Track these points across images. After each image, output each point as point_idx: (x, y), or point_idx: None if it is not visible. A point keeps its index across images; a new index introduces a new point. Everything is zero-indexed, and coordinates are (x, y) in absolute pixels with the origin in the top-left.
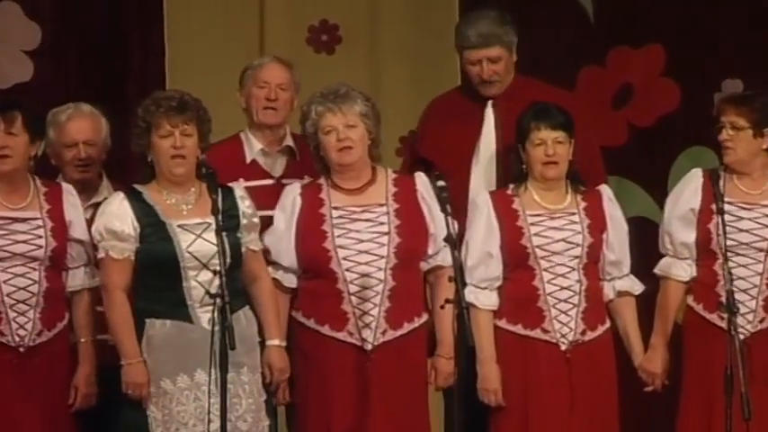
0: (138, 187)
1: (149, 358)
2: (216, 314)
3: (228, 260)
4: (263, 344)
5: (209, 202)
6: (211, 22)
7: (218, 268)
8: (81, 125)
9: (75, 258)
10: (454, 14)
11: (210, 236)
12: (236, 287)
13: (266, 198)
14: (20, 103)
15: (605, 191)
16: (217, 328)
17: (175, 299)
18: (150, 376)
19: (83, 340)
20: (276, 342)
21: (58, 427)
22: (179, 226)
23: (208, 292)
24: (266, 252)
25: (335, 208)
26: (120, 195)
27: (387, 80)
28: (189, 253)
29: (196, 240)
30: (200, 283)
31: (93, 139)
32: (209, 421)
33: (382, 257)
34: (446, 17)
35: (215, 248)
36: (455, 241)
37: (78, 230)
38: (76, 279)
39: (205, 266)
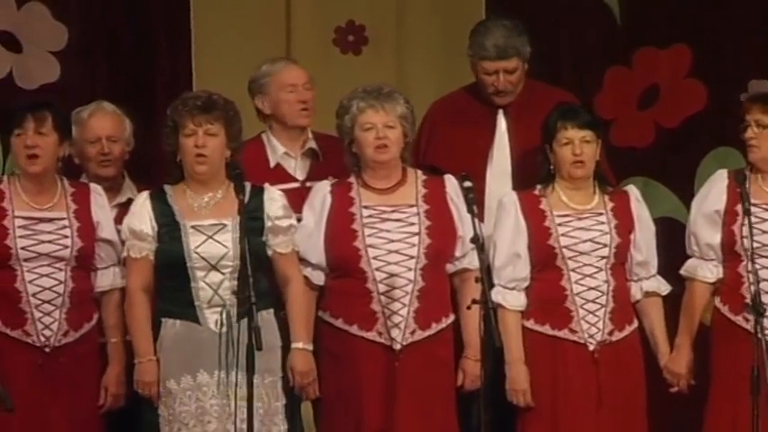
0: (165, 187)
1: (161, 357)
2: (223, 316)
3: (237, 262)
4: (287, 348)
5: (234, 202)
6: (238, 23)
7: (225, 270)
8: (103, 121)
9: (104, 259)
10: (481, 15)
11: (223, 237)
12: (255, 289)
13: (292, 201)
14: (50, 104)
15: (633, 191)
16: (224, 329)
17: (185, 299)
18: (161, 375)
19: (113, 340)
20: (300, 345)
21: (85, 427)
22: (192, 227)
23: (234, 292)
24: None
25: (366, 207)
26: (144, 195)
27: (413, 81)
28: (196, 254)
29: (206, 241)
30: (208, 284)
31: (116, 135)
32: (208, 422)
33: (412, 258)
34: (473, 17)
35: (224, 250)
36: (481, 242)
37: (106, 231)
38: (105, 279)
39: (214, 267)
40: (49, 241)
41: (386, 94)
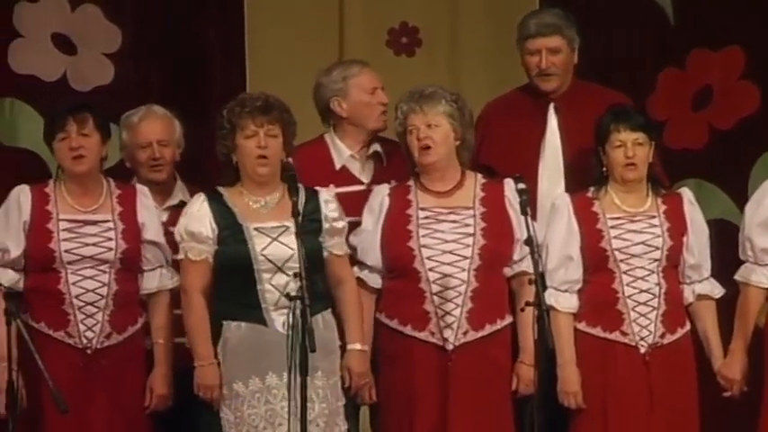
0: (220, 189)
1: (224, 360)
2: (291, 317)
3: (305, 264)
4: (344, 348)
5: (290, 204)
6: (291, 25)
7: (292, 272)
8: (153, 125)
9: (151, 260)
10: None
11: (287, 239)
12: (315, 290)
13: (357, 204)
14: (88, 105)
15: (686, 194)
16: (291, 331)
17: (250, 301)
18: (224, 378)
19: (160, 342)
20: (357, 346)
21: (129, 428)
22: (255, 229)
23: (287, 295)
24: (353, 251)
25: (422, 209)
26: (202, 197)
27: (467, 82)
28: (263, 256)
29: (271, 243)
30: (274, 286)
31: (166, 139)
32: (279, 425)
33: (466, 258)
34: None
35: (290, 252)
36: (535, 243)
37: (152, 232)
38: (152, 281)
39: (280, 269)
40: (93, 244)
41: (427, 95)
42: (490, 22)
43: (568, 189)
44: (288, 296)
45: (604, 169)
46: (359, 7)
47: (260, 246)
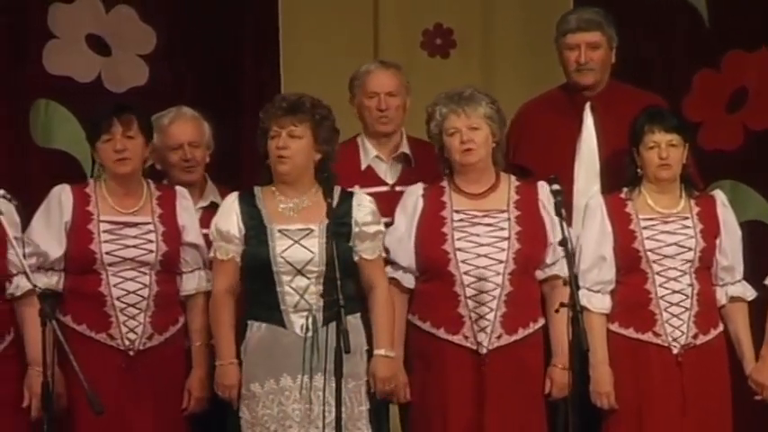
0: (255, 189)
1: (245, 360)
2: (309, 321)
3: (323, 267)
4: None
5: (322, 206)
6: (326, 27)
7: (311, 275)
8: (184, 127)
9: (190, 262)
10: None
11: (309, 242)
12: (343, 293)
13: (381, 205)
14: (132, 107)
15: (719, 196)
16: (309, 334)
17: (271, 303)
18: (244, 378)
19: (197, 344)
20: (382, 352)
21: (169, 429)
22: (279, 231)
23: (321, 295)
24: (385, 251)
25: (457, 211)
26: (234, 196)
27: (501, 84)
28: (282, 258)
29: (292, 246)
30: (294, 288)
31: (197, 140)
32: (289, 427)
33: (501, 262)
34: None
35: (310, 255)
36: (569, 246)
37: (192, 234)
38: (191, 283)
39: (299, 272)
40: (134, 246)
41: (467, 97)
42: (524, 23)
43: (604, 189)
44: (321, 296)
45: (638, 170)
46: (393, 8)
47: (280, 248)
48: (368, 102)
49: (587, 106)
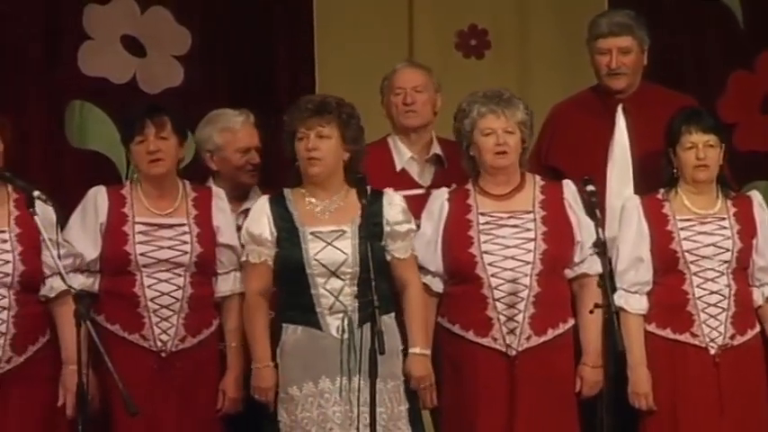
0: (285, 192)
1: (281, 363)
2: (345, 322)
3: (357, 268)
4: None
5: (353, 207)
6: (360, 28)
7: (345, 276)
8: (252, 132)
9: (225, 264)
10: None
11: (342, 244)
12: (377, 293)
13: (416, 207)
14: (166, 108)
15: (756, 196)
16: (346, 336)
17: (306, 305)
18: (280, 381)
19: (232, 345)
20: (417, 350)
21: (202, 431)
22: (312, 233)
23: (356, 296)
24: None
25: (482, 214)
26: (264, 200)
27: (536, 85)
28: (316, 260)
29: (325, 248)
30: (329, 290)
31: (260, 145)
32: (330, 429)
33: (528, 263)
34: None
35: (344, 257)
36: (604, 247)
37: (227, 236)
38: (226, 284)
39: (333, 274)
40: (169, 247)
41: (506, 99)
42: (559, 23)
43: (637, 191)
44: (356, 297)
45: (675, 171)
46: (428, 9)
47: (314, 250)
48: (394, 98)
49: (619, 108)
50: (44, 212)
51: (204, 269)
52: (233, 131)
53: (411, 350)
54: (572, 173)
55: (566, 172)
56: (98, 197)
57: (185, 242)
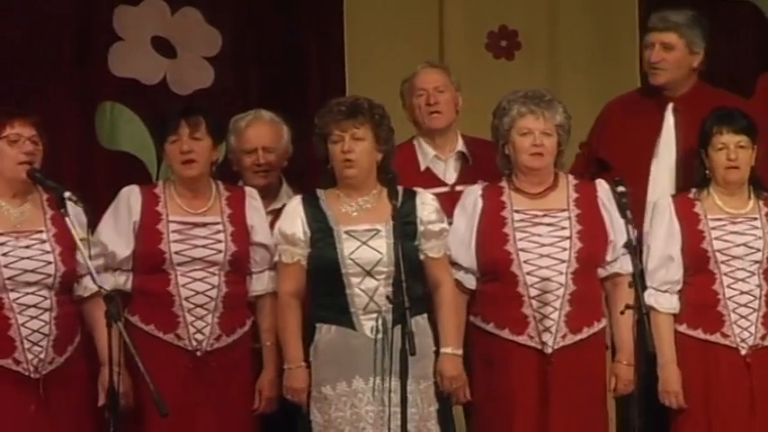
0: (318, 192)
1: (315, 363)
2: (379, 322)
3: (392, 267)
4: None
5: (386, 207)
6: (391, 29)
7: (380, 276)
8: (260, 131)
9: (259, 263)
10: (634, 20)
11: (377, 243)
12: (409, 294)
13: (441, 205)
14: (202, 108)
15: None
16: (380, 336)
17: (340, 305)
18: (313, 381)
19: (267, 344)
20: (449, 350)
21: (237, 430)
22: (346, 232)
23: (387, 297)
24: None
25: (517, 211)
26: (297, 200)
27: (566, 86)
28: (351, 260)
29: (360, 247)
30: (363, 290)
31: (272, 145)
32: (363, 429)
33: (563, 262)
34: (626, 23)
35: (378, 256)
36: (635, 247)
37: (261, 235)
38: (260, 283)
39: (368, 274)
40: (203, 246)
41: (547, 101)
42: (589, 25)
43: (679, 190)
44: (388, 298)
45: (706, 171)
46: (458, 11)
47: (348, 249)
48: (417, 100)
49: (669, 107)
50: (76, 213)
51: (238, 268)
52: (239, 132)
53: (443, 350)
54: (618, 167)
55: (612, 166)
56: (131, 196)
57: (219, 241)
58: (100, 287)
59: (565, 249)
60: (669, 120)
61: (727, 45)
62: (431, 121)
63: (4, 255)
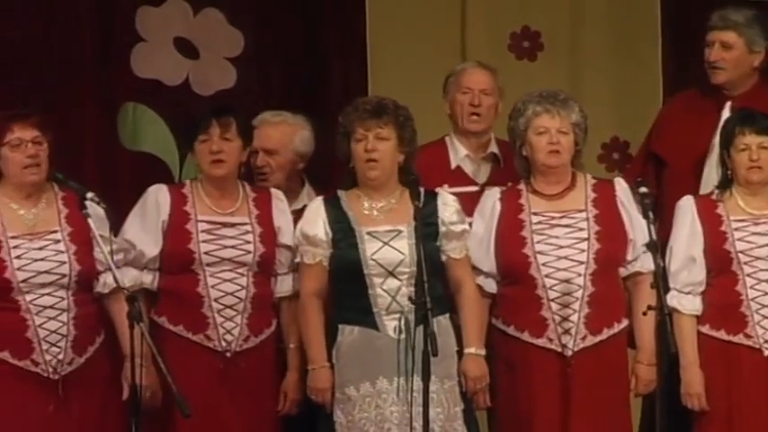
0: (339, 193)
1: (338, 364)
2: (402, 323)
3: (415, 268)
4: (461, 353)
5: (408, 207)
6: (413, 30)
7: (402, 276)
8: (261, 133)
9: (284, 264)
10: (656, 21)
11: (399, 243)
12: (432, 295)
13: (470, 204)
14: (233, 109)
15: None
16: (402, 336)
17: (362, 306)
18: (337, 382)
19: (292, 346)
20: (473, 350)
21: (264, 431)
22: (368, 233)
23: (409, 298)
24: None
25: (535, 213)
26: (318, 201)
27: (588, 87)
28: (373, 260)
29: (382, 248)
30: (386, 291)
31: (274, 147)
32: (388, 429)
33: (582, 263)
34: (648, 24)
35: (400, 256)
36: (657, 248)
37: (287, 236)
38: (285, 285)
39: (391, 274)
40: (232, 246)
41: (562, 100)
42: (612, 26)
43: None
44: (410, 299)
45: (729, 172)
46: (481, 11)
47: (371, 250)
48: (461, 97)
49: (727, 105)
50: (97, 214)
51: (265, 269)
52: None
53: (466, 350)
54: (673, 163)
55: (667, 161)
56: (159, 194)
57: (248, 241)
58: (122, 287)
59: (583, 251)
60: (726, 115)
61: None
62: (470, 124)
63: (17, 257)
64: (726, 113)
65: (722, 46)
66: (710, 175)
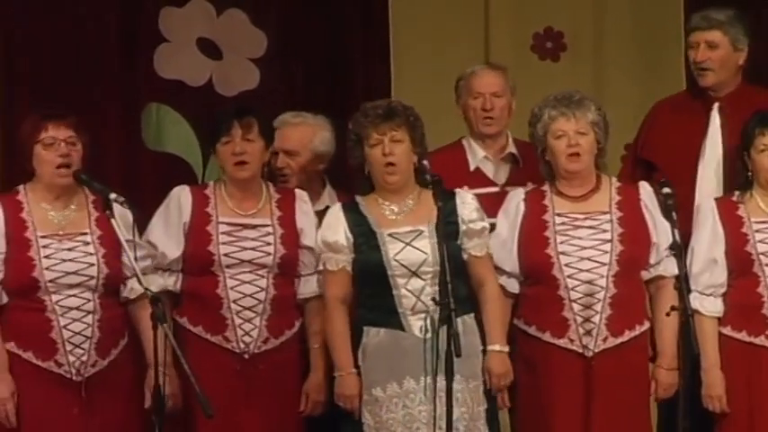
0: (357, 199)
1: (364, 366)
2: (428, 322)
3: (438, 267)
4: (485, 352)
5: (426, 208)
6: (436, 29)
7: (426, 276)
8: (281, 134)
9: (308, 265)
10: (679, 22)
11: (420, 243)
12: (455, 294)
13: (490, 206)
14: (255, 110)
15: None
16: (429, 335)
17: (387, 307)
18: (364, 383)
19: (315, 347)
20: (497, 347)
21: None
22: (389, 235)
23: (432, 299)
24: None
25: (558, 215)
26: (337, 207)
27: (612, 87)
28: (396, 261)
29: (404, 248)
30: (410, 291)
31: (293, 149)
32: (417, 429)
33: (604, 265)
34: (672, 25)
35: (423, 256)
36: (681, 250)
37: (310, 238)
38: (309, 286)
39: (414, 274)
40: (252, 248)
41: (576, 101)
42: (635, 26)
43: (726, 191)
44: (434, 300)
45: (749, 174)
46: (504, 12)
47: (393, 251)
48: (473, 102)
49: (715, 107)
50: (121, 214)
51: (287, 270)
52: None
53: (490, 347)
54: (664, 168)
55: (659, 166)
56: (182, 196)
57: (269, 243)
58: (146, 289)
59: (606, 252)
60: (715, 120)
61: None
62: (484, 128)
63: (46, 257)
64: (714, 115)
65: (708, 46)
66: (704, 179)
